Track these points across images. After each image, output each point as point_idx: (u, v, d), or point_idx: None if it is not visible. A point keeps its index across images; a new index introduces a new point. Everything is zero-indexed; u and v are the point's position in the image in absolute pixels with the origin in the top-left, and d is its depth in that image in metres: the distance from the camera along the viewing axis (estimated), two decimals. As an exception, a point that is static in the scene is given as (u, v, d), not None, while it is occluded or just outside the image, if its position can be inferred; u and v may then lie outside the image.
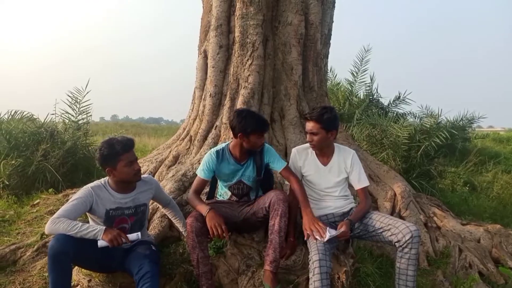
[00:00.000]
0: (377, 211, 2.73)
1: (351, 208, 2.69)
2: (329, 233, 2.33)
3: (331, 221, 2.65)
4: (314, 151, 2.69)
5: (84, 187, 2.42)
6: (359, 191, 2.68)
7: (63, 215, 2.21)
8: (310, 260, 2.26)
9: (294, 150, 2.76)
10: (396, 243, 2.36)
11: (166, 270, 2.67)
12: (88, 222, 2.44)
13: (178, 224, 2.89)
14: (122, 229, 2.36)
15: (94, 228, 2.18)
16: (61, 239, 2.12)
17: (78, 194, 2.35)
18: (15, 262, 2.93)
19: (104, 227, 2.22)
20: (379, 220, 2.49)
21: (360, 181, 2.66)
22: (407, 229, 2.31)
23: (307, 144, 2.73)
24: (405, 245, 2.31)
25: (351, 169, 2.67)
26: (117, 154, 2.31)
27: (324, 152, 2.68)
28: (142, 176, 2.55)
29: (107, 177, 2.47)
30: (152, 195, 2.62)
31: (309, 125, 2.57)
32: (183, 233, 2.90)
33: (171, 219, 2.93)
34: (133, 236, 2.28)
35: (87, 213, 2.42)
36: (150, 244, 2.51)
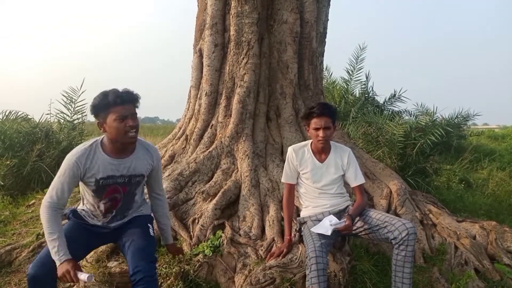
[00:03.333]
0: (373, 209, 2.75)
1: (347, 206, 2.70)
2: (330, 221, 2.36)
3: None
4: (310, 149, 2.71)
5: (67, 157, 2.08)
6: (355, 188, 2.70)
7: (54, 198, 2.03)
8: (306, 257, 2.27)
9: (290, 148, 2.76)
10: (392, 240, 2.37)
11: (162, 269, 2.66)
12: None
13: (161, 222, 2.53)
14: (113, 200, 2.18)
15: (56, 252, 1.94)
16: (35, 266, 1.99)
17: (63, 168, 2.06)
18: (11, 263, 2.92)
19: (63, 259, 1.93)
20: (376, 218, 2.50)
21: (357, 178, 2.68)
22: (403, 226, 2.33)
23: (303, 142, 2.77)
24: (401, 242, 2.32)
25: (348, 167, 2.69)
26: (108, 105, 2.00)
27: (321, 150, 2.69)
28: (145, 142, 2.25)
29: (103, 136, 2.16)
30: (152, 168, 2.29)
31: (322, 121, 2.56)
32: (164, 234, 2.56)
33: (154, 214, 2.52)
34: (83, 277, 1.91)
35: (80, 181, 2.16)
36: (147, 225, 2.31)
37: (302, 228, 2.69)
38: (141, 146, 2.23)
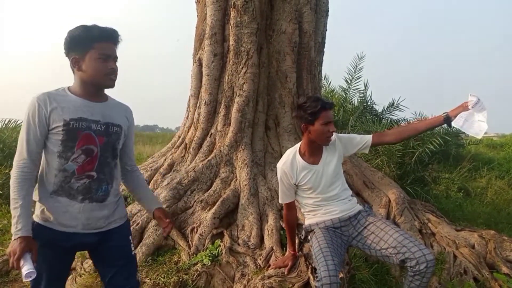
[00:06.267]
0: (387, 221, 2.48)
1: (359, 211, 2.46)
2: (476, 111, 2.03)
3: (336, 227, 2.40)
4: (300, 156, 2.44)
5: (30, 100, 1.69)
6: (375, 136, 2.49)
7: (23, 155, 1.66)
8: (318, 279, 2.06)
9: (280, 168, 2.44)
10: (408, 267, 2.18)
11: (160, 279, 2.66)
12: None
13: (147, 194, 2.05)
14: (89, 152, 1.71)
15: (15, 224, 1.61)
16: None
17: (25, 114, 1.68)
18: (8, 273, 2.91)
19: (19, 234, 1.58)
20: (393, 237, 2.23)
21: (364, 136, 2.49)
22: (423, 258, 2.09)
23: (288, 155, 2.48)
24: (417, 273, 2.13)
25: (346, 142, 2.49)
26: (91, 39, 1.68)
27: (315, 150, 2.44)
28: (117, 100, 1.92)
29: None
30: (128, 124, 1.91)
31: (331, 114, 2.34)
32: (154, 200, 2.05)
33: (135, 190, 2.03)
34: (24, 269, 1.52)
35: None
36: (129, 239, 1.90)
37: (309, 237, 2.49)
38: (113, 99, 1.90)
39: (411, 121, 2.36)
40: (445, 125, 2.30)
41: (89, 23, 1.77)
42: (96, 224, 1.74)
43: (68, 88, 1.75)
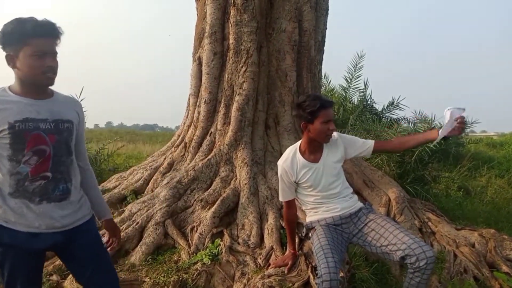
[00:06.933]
0: (387, 218, 2.49)
1: (360, 209, 2.45)
2: (452, 114, 2.17)
3: (337, 224, 2.39)
4: (300, 154, 2.44)
5: None
6: (376, 144, 2.48)
7: None
8: (318, 276, 2.06)
9: (281, 166, 2.44)
10: (408, 264, 2.18)
11: (160, 278, 2.65)
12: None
13: (96, 195, 1.96)
14: (41, 153, 1.63)
15: None
16: None
17: None
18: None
19: None
20: (392, 233, 2.24)
21: (367, 141, 2.49)
22: (423, 255, 2.09)
23: (289, 152, 2.49)
24: (417, 269, 2.13)
25: (349, 144, 2.48)
26: (24, 35, 1.55)
27: (316, 148, 2.44)
28: (65, 94, 1.82)
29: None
30: (78, 118, 1.80)
31: (330, 112, 2.33)
32: (101, 207, 1.98)
33: (84, 189, 1.89)
34: None
35: None
36: (100, 237, 1.87)
37: (310, 235, 2.46)
38: (59, 93, 1.80)
39: (410, 134, 2.37)
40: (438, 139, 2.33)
41: (26, 15, 1.65)
42: (59, 223, 1.68)
43: (9, 87, 1.65)
